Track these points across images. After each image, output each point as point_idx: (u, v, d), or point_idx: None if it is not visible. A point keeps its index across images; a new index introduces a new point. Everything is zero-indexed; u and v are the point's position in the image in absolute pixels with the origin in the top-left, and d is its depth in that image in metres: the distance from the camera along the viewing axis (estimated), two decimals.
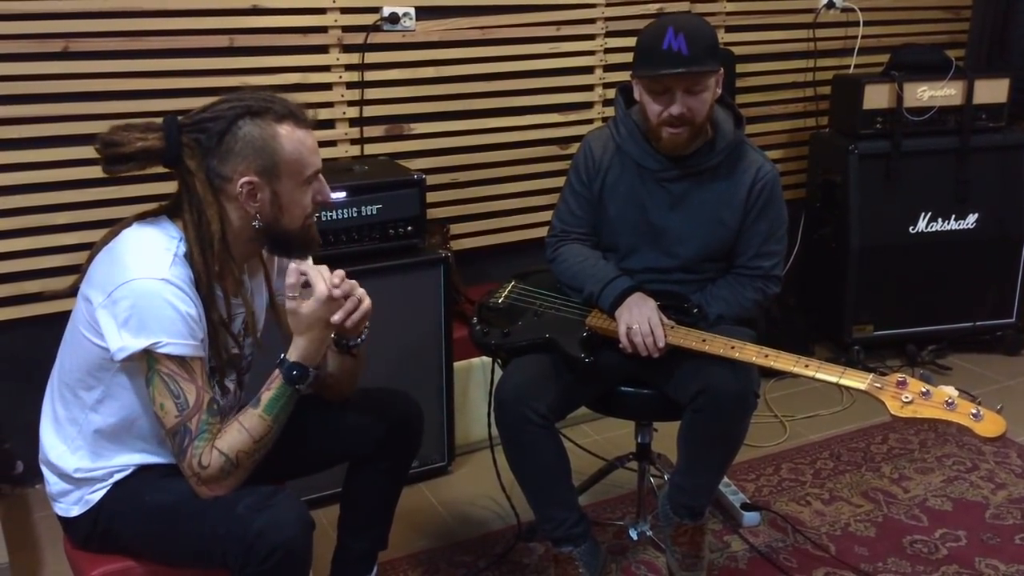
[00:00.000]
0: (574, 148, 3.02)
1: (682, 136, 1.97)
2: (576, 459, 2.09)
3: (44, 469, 1.62)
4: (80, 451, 1.56)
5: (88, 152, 2.38)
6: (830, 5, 3.41)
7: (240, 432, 1.48)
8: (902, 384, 1.71)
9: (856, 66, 3.47)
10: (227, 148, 1.48)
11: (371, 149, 2.80)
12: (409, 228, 2.45)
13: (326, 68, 2.68)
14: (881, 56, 3.42)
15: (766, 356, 1.83)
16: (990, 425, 1.64)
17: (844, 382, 1.76)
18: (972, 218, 3.28)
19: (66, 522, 1.61)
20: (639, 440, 2.26)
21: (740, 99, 3.32)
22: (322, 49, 2.67)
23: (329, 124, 2.72)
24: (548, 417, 1.93)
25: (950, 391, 1.68)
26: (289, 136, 1.50)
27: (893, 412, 1.69)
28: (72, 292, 1.57)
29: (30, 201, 2.41)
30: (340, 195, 2.31)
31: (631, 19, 3.07)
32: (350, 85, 2.73)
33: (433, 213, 2.76)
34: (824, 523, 2.43)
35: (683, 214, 2.06)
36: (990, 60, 3.59)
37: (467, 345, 2.57)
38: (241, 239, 1.56)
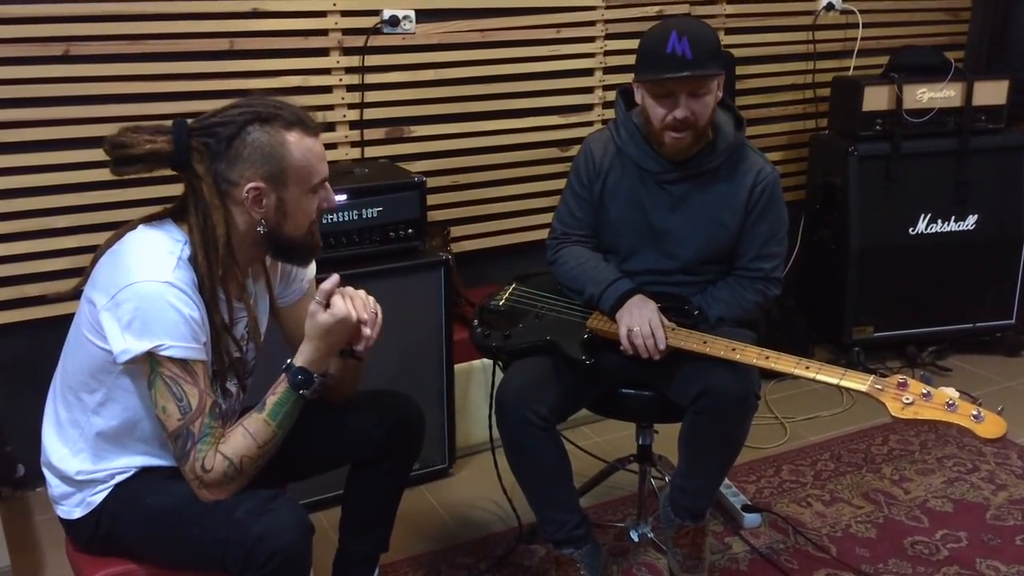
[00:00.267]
0: (574, 150, 3.03)
1: (685, 140, 1.97)
2: (577, 461, 2.09)
3: (46, 472, 1.62)
4: (82, 453, 1.56)
5: (89, 155, 2.41)
6: (829, 7, 3.41)
7: (245, 437, 1.49)
8: (903, 386, 1.71)
9: (855, 68, 3.48)
10: (235, 153, 1.49)
11: (371, 152, 2.81)
12: (410, 230, 2.46)
13: (326, 71, 2.69)
14: (880, 58, 3.43)
15: (767, 358, 1.83)
16: (991, 427, 1.65)
17: (845, 384, 1.76)
18: (972, 219, 3.29)
19: (68, 524, 1.61)
20: (640, 442, 2.26)
21: (740, 101, 3.33)
22: (322, 52, 2.67)
23: (329, 127, 2.73)
24: (549, 419, 1.93)
25: (951, 392, 1.68)
26: (297, 143, 1.51)
27: (894, 413, 1.69)
28: (75, 295, 1.57)
29: (31, 204, 2.42)
30: (341, 198, 2.30)
31: (631, 21, 3.08)
32: (350, 88, 2.73)
33: (433, 215, 2.76)
34: (825, 524, 2.43)
35: (683, 216, 2.06)
36: (989, 62, 3.60)
37: (468, 347, 2.57)
38: (245, 243, 1.56)
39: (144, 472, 1.57)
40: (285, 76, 2.62)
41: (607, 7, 3.04)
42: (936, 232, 3.27)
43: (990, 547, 2.32)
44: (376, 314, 1.60)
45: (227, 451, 1.47)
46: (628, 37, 3.07)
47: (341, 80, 2.71)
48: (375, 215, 2.40)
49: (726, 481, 2.49)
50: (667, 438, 2.29)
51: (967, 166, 3.23)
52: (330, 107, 2.71)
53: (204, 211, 1.50)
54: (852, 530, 2.41)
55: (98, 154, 2.36)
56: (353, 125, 2.77)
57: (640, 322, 1.91)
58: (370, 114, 2.78)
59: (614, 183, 2.09)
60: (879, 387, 1.73)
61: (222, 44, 2.53)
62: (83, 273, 1.56)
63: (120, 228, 1.56)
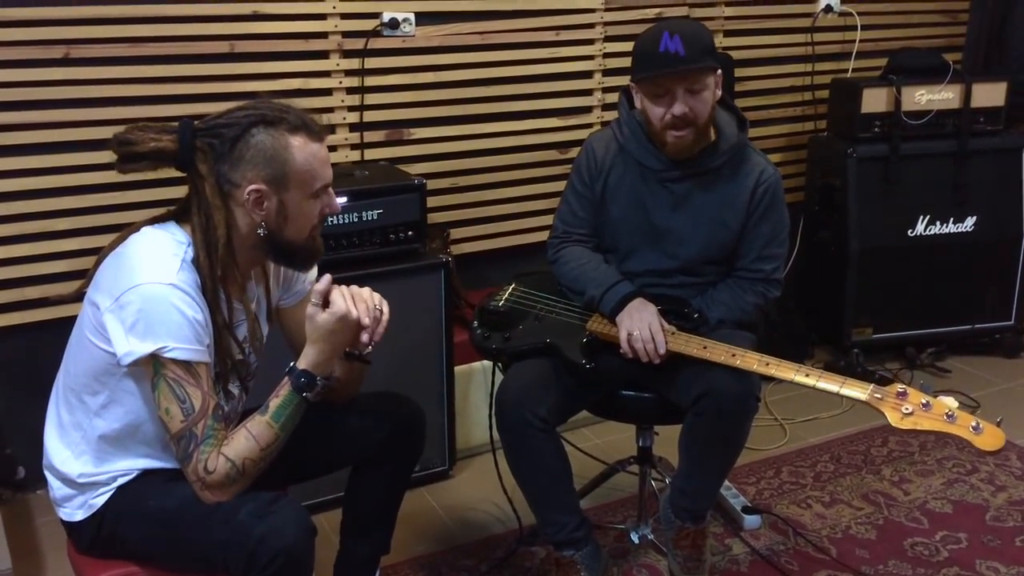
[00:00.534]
0: (574, 152, 3.04)
1: (687, 139, 1.97)
2: (577, 463, 2.09)
3: (48, 474, 1.62)
4: (84, 456, 1.56)
5: (90, 158, 2.41)
6: (828, 9, 3.42)
7: (247, 439, 1.49)
8: (902, 395, 1.71)
9: (854, 70, 3.49)
10: (238, 155, 1.49)
11: (371, 154, 2.81)
12: (410, 233, 2.46)
13: (326, 74, 2.69)
14: (879, 60, 3.43)
15: (767, 364, 1.83)
16: (990, 439, 1.65)
17: (845, 392, 1.76)
18: (970, 221, 3.29)
19: (70, 527, 1.61)
20: (640, 444, 2.27)
21: (739, 103, 3.29)
22: (322, 55, 2.68)
23: (330, 129, 2.73)
24: (549, 421, 1.93)
25: (950, 402, 1.68)
26: (301, 147, 1.51)
27: (893, 423, 1.69)
28: (78, 297, 1.58)
29: (31, 207, 2.42)
30: (341, 200, 2.29)
31: (630, 24, 3.09)
32: (350, 90, 2.73)
33: (433, 218, 2.77)
34: (825, 526, 2.44)
35: (685, 215, 2.06)
36: (987, 63, 3.60)
37: (468, 349, 2.57)
38: (246, 246, 1.56)
39: (146, 474, 1.58)
40: (285, 79, 2.62)
41: (606, 9, 3.05)
42: (935, 233, 3.28)
43: (990, 548, 2.33)
44: (381, 311, 1.60)
45: (229, 453, 1.48)
46: (627, 39, 3.07)
47: (341, 83, 2.72)
48: (375, 217, 2.40)
49: (726, 483, 2.50)
50: (667, 440, 2.29)
51: (966, 168, 3.24)
52: (330, 109, 2.72)
53: (206, 211, 1.50)
54: (852, 531, 2.41)
55: (99, 156, 2.38)
56: (353, 127, 2.77)
57: (640, 326, 1.91)
58: (370, 116, 2.78)
59: (616, 181, 2.09)
60: (878, 396, 1.73)
61: (222, 47, 2.53)
62: (84, 275, 1.56)
63: (124, 230, 1.56)
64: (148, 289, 1.44)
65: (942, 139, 3.22)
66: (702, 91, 1.93)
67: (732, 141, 2.05)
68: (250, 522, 1.46)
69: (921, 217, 3.26)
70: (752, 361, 1.84)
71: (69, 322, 1.60)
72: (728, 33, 3.31)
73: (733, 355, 1.85)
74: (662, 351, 1.90)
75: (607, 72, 3.10)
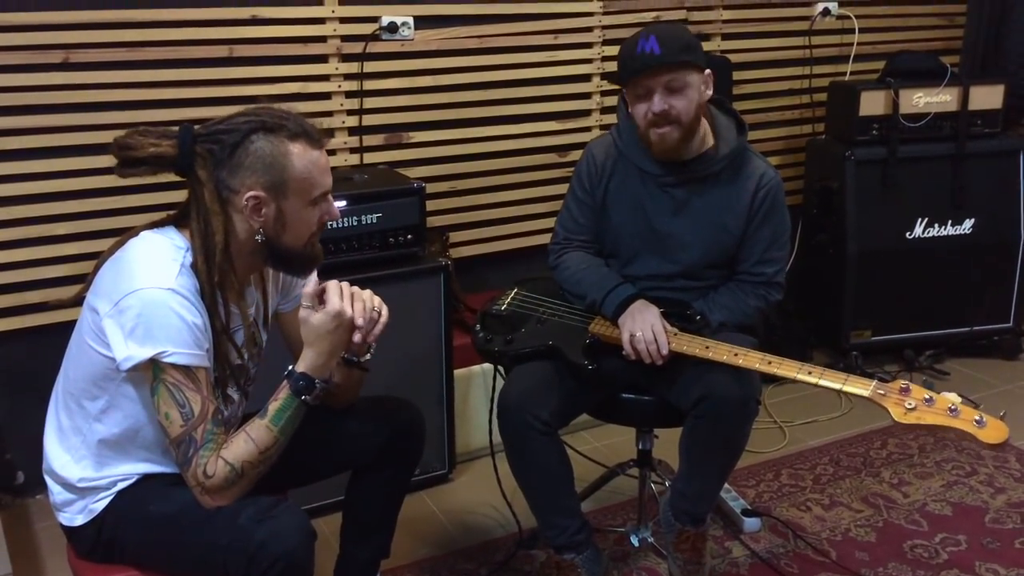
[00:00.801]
0: (572, 156, 3.04)
1: (671, 136, 1.96)
2: (577, 466, 2.09)
3: (48, 479, 1.62)
4: (84, 461, 1.56)
5: (89, 162, 2.41)
6: (826, 12, 3.43)
7: (247, 443, 1.49)
8: (905, 391, 1.72)
9: (852, 73, 3.49)
10: (238, 161, 1.49)
11: (370, 158, 2.81)
12: (409, 236, 2.46)
13: (325, 77, 2.69)
14: (877, 63, 3.44)
15: (769, 363, 1.83)
16: (993, 432, 1.65)
17: (847, 389, 1.76)
18: (968, 223, 3.30)
19: (70, 532, 1.61)
20: (640, 446, 2.27)
21: (737, 106, 3.30)
22: (321, 59, 2.68)
23: (328, 133, 2.73)
24: (551, 424, 1.94)
25: (953, 397, 1.69)
26: (300, 155, 1.51)
27: (897, 419, 1.69)
28: (78, 301, 1.58)
29: (31, 212, 2.42)
30: (340, 204, 2.32)
31: (628, 27, 3.09)
32: (349, 94, 2.74)
33: (432, 221, 2.77)
34: (825, 528, 2.44)
35: (686, 219, 2.07)
36: (985, 66, 3.61)
37: (467, 353, 2.58)
38: (244, 251, 1.56)
39: (146, 479, 1.57)
40: (284, 83, 2.62)
41: (604, 13, 3.06)
42: (933, 236, 3.28)
43: (989, 550, 2.33)
44: (379, 313, 1.60)
45: (228, 456, 1.47)
46: None
47: (340, 86, 2.72)
48: (374, 221, 2.41)
49: (726, 485, 2.49)
50: (667, 443, 2.29)
51: (963, 170, 3.24)
52: (329, 113, 2.72)
53: (204, 217, 1.50)
54: (852, 534, 2.41)
55: (98, 161, 2.38)
56: (352, 131, 2.77)
57: (643, 327, 1.91)
58: (369, 120, 2.78)
59: (616, 187, 2.10)
60: (881, 392, 1.73)
61: (221, 51, 2.53)
62: (84, 280, 1.56)
63: (123, 235, 1.56)
64: (147, 294, 1.44)
65: (940, 142, 3.23)
66: (683, 88, 1.93)
67: (732, 145, 2.05)
68: (250, 526, 1.46)
69: (919, 219, 3.26)
70: (755, 360, 1.84)
71: (69, 326, 1.60)
72: (726, 36, 3.32)
73: (736, 354, 1.86)
74: (664, 352, 1.90)
75: (605, 75, 3.10)
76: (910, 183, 3.23)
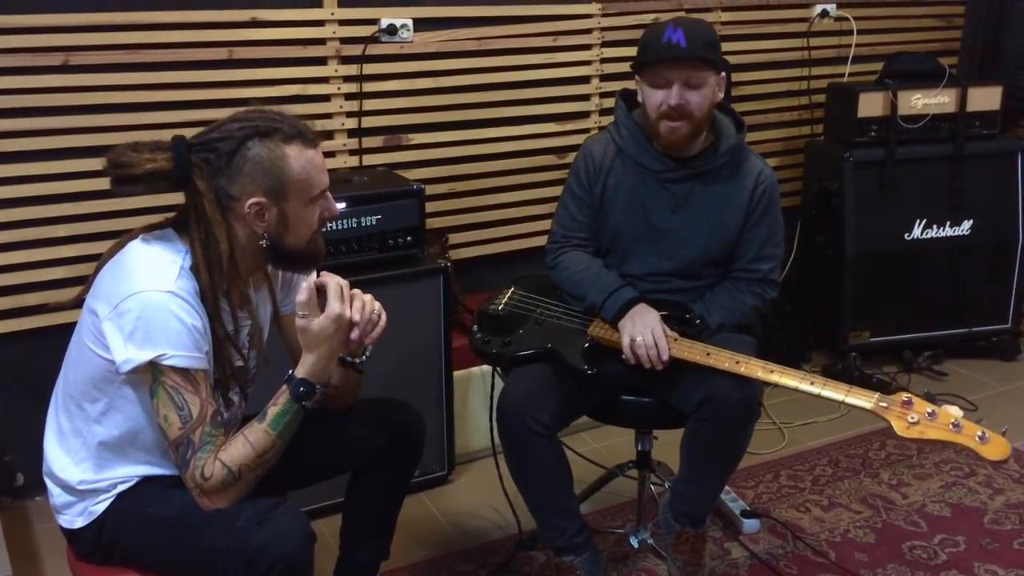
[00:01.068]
0: (571, 157, 3.02)
1: (681, 131, 1.97)
2: (576, 467, 2.09)
3: (48, 481, 1.62)
4: (84, 463, 1.56)
5: (88, 165, 2.41)
6: (824, 14, 3.43)
7: (244, 446, 1.49)
8: (907, 404, 1.72)
9: (850, 74, 3.50)
10: (236, 169, 1.49)
11: (370, 160, 2.81)
12: (408, 238, 2.46)
13: (324, 80, 2.70)
14: (875, 64, 3.44)
15: (771, 372, 1.83)
16: (995, 448, 1.66)
17: (850, 401, 1.76)
18: (967, 225, 3.30)
19: (70, 534, 1.61)
20: (639, 448, 2.27)
21: (736, 107, 3.29)
22: (321, 61, 2.68)
23: (328, 135, 2.73)
24: (550, 427, 1.94)
25: (955, 411, 1.69)
26: (297, 157, 1.51)
27: (900, 432, 1.69)
28: (77, 304, 1.58)
29: (30, 214, 2.42)
30: (340, 206, 2.30)
31: (626, 29, 3.10)
32: (348, 96, 2.74)
33: (432, 223, 2.77)
34: (824, 529, 2.44)
35: (685, 216, 2.07)
36: (983, 68, 3.62)
37: (467, 354, 2.58)
38: (247, 255, 1.56)
39: (146, 481, 1.57)
40: (284, 85, 2.63)
41: (603, 15, 3.06)
42: (932, 237, 3.29)
43: (988, 551, 2.33)
44: (379, 316, 1.60)
45: (226, 459, 1.47)
46: (624, 44, 3.08)
47: (339, 88, 2.72)
48: (374, 223, 2.41)
49: (725, 487, 2.50)
50: (666, 444, 2.30)
51: (962, 171, 3.25)
52: (328, 115, 2.72)
53: (206, 226, 1.50)
54: (851, 535, 2.42)
55: (98, 163, 2.37)
56: (351, 133, 2.77)
57: (643, 332, 1.91)
58: (368, 122, 2.78)
59: (615, 183, 2.09)
60: (884, 405, 1.73)
61: (221, 53, 2.53)
62: (83, 282, 1.56)
63: (122, 237, 1.56)
64: (147, 297, 1.44)
65: (938, 143, 3.24)
66: (700, 86, 1.94)
67: (732, 142, 2.06)
68: (250, 529, 1.46)
69: (918, 221, 3.27)
70: (756, 368, 1.84)
71: (68, 329, 1.60)
72: (724, 38, 3.30)
73: (737, 362, 1.85)
74: (665, 357, 1.90)
75: (604, 77, 3.10)
76: (908, 184, 3.23)
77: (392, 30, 2.72)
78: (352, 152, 2.79)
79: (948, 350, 3.42)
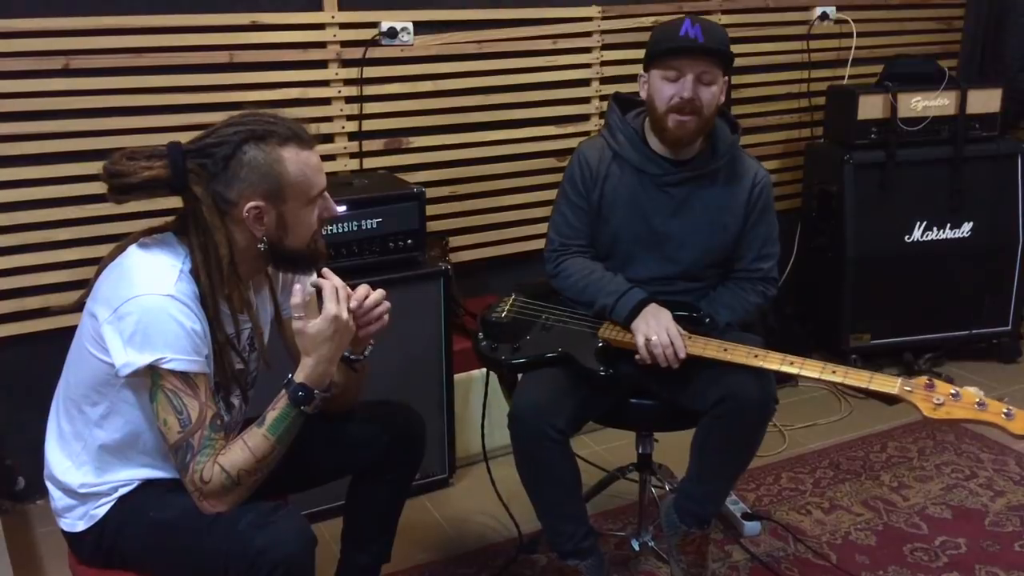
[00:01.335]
0: None
1: (689, 126, 1.97)
2: None
3: (49, 485, 1.62)
4: (85, 466, 1.56)
5: (90, 168, 2.41)
6: (824, 17, 3.44)
7: (243, 451, 1.49)
8: (930, 387, 1.74)
9: (850, 77, 3.50)
10: (232, 174, 1.49)
11: (370, 163, 2.82)
12: (409, 241, 2.47)
13: (325, 83, 2.70)
14: (875, 67, 3.45)
15: (791, 363, 1.83)
16: (1022, 424, 1.66)
17: (874, 387, 1.78)
18: (967, 227, 3.30)
19: (71, 537, 1.61)
20: (640, 451, 2.26)
21: (735, 110, 3.35)
22: (321, 64, 2.68)
23: (328, 138, 2.73)
24: (565, 432, 1.92)
25: (977, 392, 1.71)
26: (293, 159, 1.51)
27: (927, 414, 1.71)
28: (78, 307, 1.58)
29: (32, 217, 2.42)
30: (340, 209, 2.31)
31: (627, 32, 3.10)
32: (349, 99, 2.74)
33: (432, 226, 2.77)
34: (825, 532, 2.44)
35: (685, 219, 2.07)
36: (982, 70, 3.62)
37: (467, 357, 2.58)
38: (247, 258, 1.56)
39: (147, 485, 1.57)
40: (284, 88, 2.63)
41: (603, 18, 3.06)
42: (932, 240, 3.29)
43: (989, 553, 2.33)
44: (381, 308, 1.61)
45: (225, 463, 1.47)
46: (624, 47, 3.09)
47: (340, 92, 2.72)
48: (375, 226, 2.41)
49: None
50: (667, 446, 2.30)
51: (962, 174, 3.25)
52: (329, 119, 2.72)
53: (205, 232, 1.50)
54: (852, 537, 2.41)
55: (99, 166, 2.38)
56: (352, 136, 2.78)
57: (658, 331, 1.91)
58: (369, 125, 2.79)
59: (612, 189, 2.09)
60: (908, 389, 1.75)
61: (221, 57, 2.54)
62: (85, 285, 1.56)
63: (122, 241, 1.56)
64: (146, 300, 1.44)
65: (938, 145, 3.24)
66: (712, 84, 1.95)
67: (728, 144, 2.07)
68: (250, 532, 1.46)
69: (918, 223, 3.27)
70: (775, 361, 1.85)
71: (69, 332, 1.60)
72: None
73: (755, 356, 1.86)
74: (682, 355, 1.89)
75: (604, 80, 3.11)
76: (909, 187, 3.23)
77: (392, 33, 2.73)
78: (353, 155, 2.79)
79: (948, 352, 3.42)
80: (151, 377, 1.46)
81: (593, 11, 3.05)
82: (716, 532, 2.42)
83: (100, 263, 1.55)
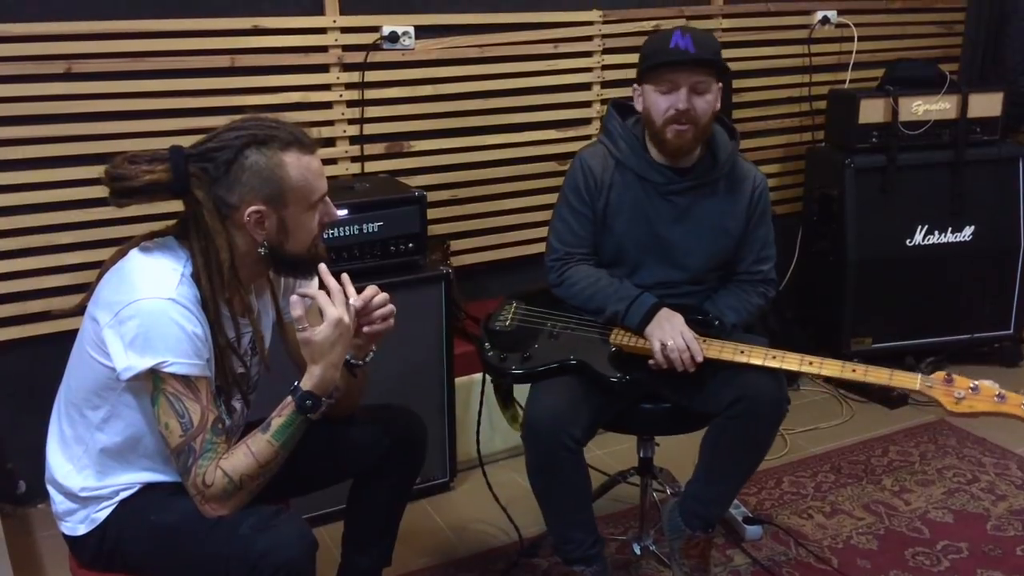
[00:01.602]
0: None
1: (687, 136, 1.98)
2: None
3: (50, 488, 1.62)
4: (86, 470, 1.56)
5: (92, 172, 2.42)
6: (825, 21, 3.44)
7: (246, 456, 1.49)
8: (949, 382, 1.76)
9: (851, 81, 3.50)
10: (234, 178, 1.49)
11: (371, 167, 2.82)
12: (410, 245, 2.47)
13: (326, 87, 2.70)
14: (876, 71, 3.45)
15: (811, 363, 1.85)
16: None
17: (895, 383, 1.81)
18: (968, 231, 3.30)
19: (72, 541, 1.61)
20: (641, 455, 2.26)
21: (736, 114, 3.35)
22: (322, 68, 2.69)
23: (330, 142, 2.74)
24: (581, 441, 1.92)
25: (994, 385, 1.73)
26: (295, 164, 1.51)
27: (949, 408, 1.74)
28: (80, 311, 1.58)
29: (34, 221, 2.42)
30: (342, 213, 2.32)
31: (627, 36, 3.10)
32: (350, 103, 2.75)
33: (433, 230, 2.77)
34: (826, 536, 2.44)
35: (688, 226, 2.07)
36: (983, 74, 3.62)
37: (468, 361, 2.58)
38: (247, 262, 1.57)
39: (148, 488, 1.57)
40: (285, 92, 2.63)
41: (604, 22, 3.07)
42: (933, 243, 3.29)
43: (991, 557, 2.33)
44: (382, 304, 1.61)
45: (227, 467, 1.47)
46: (625, 52, 3.09)
47: (341, 96, 2.73)
48: (376, 230, 2.41)
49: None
50: (667, 450, 2.30)
51: (963, 177, 3.25)
52: (330, 122, 2.73)
53: (206, 236, 1.50)
54: (853, 542, 2.41)
55: (100, 170, 2.39)
56: (353, 140, 2.78)
57: (673, 335, 1.91)
58: (370, 129, 2.79)
59: (618, 197, 2.09)
60: (929, 384, 1.78)
61: (223, 61, 2.54)
62: (86, 289, 1.56)
63: (123, 245, 1.56)
64: (147, 304, 1.44)
65: (939, 149, 3.24)
66: (706, 92, 1.96)
67: (729, 151, 2.08)
68: (252, 536, 1.46)
69: (919, 227, 3.27)
70: (794, 362, 1.85)
71: (71, 336, 1.60)
72: (725, 45, 3.31)
73: (773, 357, 1.86)
74: (699, 359, 1.90)
75: (605, 84, 3.11)
76: (910, 190, 3.23)
77: (394, 37, 2.73)
78: (354, 159, 2.79)
79: (950, 356, 3.42)
80: (152, 381, 1.46)
81: (594, 15, 3.05)
82: (717, 536, 2.41)
83: (102, 267, 1.55)
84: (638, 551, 2.31)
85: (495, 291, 3.00)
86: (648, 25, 3.13)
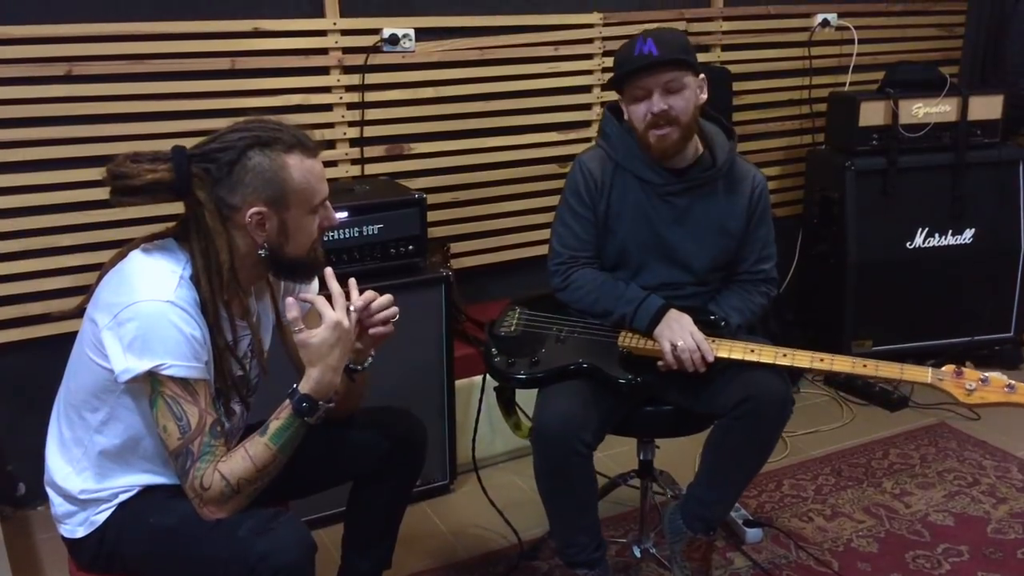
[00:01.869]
0: None
1: (670, 137, 1.97)
2: None
3: (49, 491, 1.62)
4: (85, 472, 1.56)
5: (92, 174, 2.42)
6: (825, 23, 3.44)
7: (244, 459, 1.48)
8: (959, 374, 1.79)
9: (851, 83, 3.50)
10: (237, 179, 1.49)
11: (372, 169, 2.82)
12: (410, 247, 2.47)
13: (327, 89, 2.70)
14: (876, 73, 3.45)
15: (822, 360, 1.86)
16: None
17: (907, 377, 1.83)
18: (969, 233, 3.30)
19: (71, 543, 1.60)
20: (641, 457, 2.26)
21: (737, 116, 3.35)
22: (323, 70, 2.69)
23: (330, 145, 2.74)
24: (591, 445, 1.91)
25: (1002, 376, 1.76)
26: (298, 166, 1.52)
27: (961, 400, 1.77)
28: (79, 313, 1.58)
29: (34, 223, 2.43)
30: (342, 215, 2.32)
31: (628, 38, 3.09)
32: (351, 106, 2.75)
33: (433, 232, 2.77)
34: (827, 539, 2.43)
35: (688, 227, 2.07)
36: (984, 77, 3.63)
37: (468, 363, 2.59)
38: (247, 264, 1.57)
39: (147, 491, 1.57)
40: (286, 95, 2.64)
41: (604, 24, 3.07)
42: (933, 246, 3.29)
43: (992, 560, 2.33)
44: (384, 307, 1.61)
45: (225, 471, 1.47)
46: None
47: (341, 98, 2.73)
48: (376, 232, 2.41)
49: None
50: (667, 453, 2.30)
51: (963, 180, 3.25)
52: (330, 125, 2.73)
53: (206, 237, 1.50)
54: (854, 544, 2.41)
55: (101, 173, 2.39)
56: (353, 143, 2.78)
57: (683, 336, 1.91)
58: (370, 131, 2.79)
59: (619, 200, 2.09)
60: (940, 377, 1.80)
61: (223, 63, 2.55)
62: (86, 291, 1.56)
63: (123, 247, 1.56)
64: (146, 306, 1.44)
65: (939, 152, 3.24)
66: (681, 90, 1.95)
67: (727, 152, 2.08)
68: (251, 539, 1.45)
69: (919, 229, 3.27)
70: (805, 359, 1.86)
71: (71, 338, 1.60)
72: (726, 47, 3.33)
73: (784, 355, 1.87)
74: (710, 359, 1.90)
75: (606, 86, 3.10)
76: (910, 193, 3.23)
77: (394, 40, 2.73)
78: (354, 162, 2.79)
79: (950, 359, 3.38)
80: (151, 383, 1.46)
81: (594, 18, 3.05)
82: (719, 539, 2.41)
83: (102, 269, 1.55)
84: (638, 554, 2.31)
85: (495, 293, 2.99)
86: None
